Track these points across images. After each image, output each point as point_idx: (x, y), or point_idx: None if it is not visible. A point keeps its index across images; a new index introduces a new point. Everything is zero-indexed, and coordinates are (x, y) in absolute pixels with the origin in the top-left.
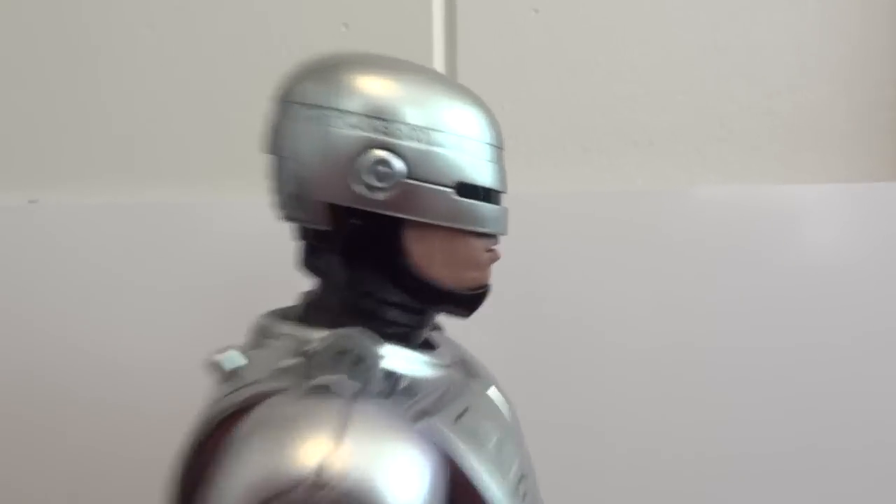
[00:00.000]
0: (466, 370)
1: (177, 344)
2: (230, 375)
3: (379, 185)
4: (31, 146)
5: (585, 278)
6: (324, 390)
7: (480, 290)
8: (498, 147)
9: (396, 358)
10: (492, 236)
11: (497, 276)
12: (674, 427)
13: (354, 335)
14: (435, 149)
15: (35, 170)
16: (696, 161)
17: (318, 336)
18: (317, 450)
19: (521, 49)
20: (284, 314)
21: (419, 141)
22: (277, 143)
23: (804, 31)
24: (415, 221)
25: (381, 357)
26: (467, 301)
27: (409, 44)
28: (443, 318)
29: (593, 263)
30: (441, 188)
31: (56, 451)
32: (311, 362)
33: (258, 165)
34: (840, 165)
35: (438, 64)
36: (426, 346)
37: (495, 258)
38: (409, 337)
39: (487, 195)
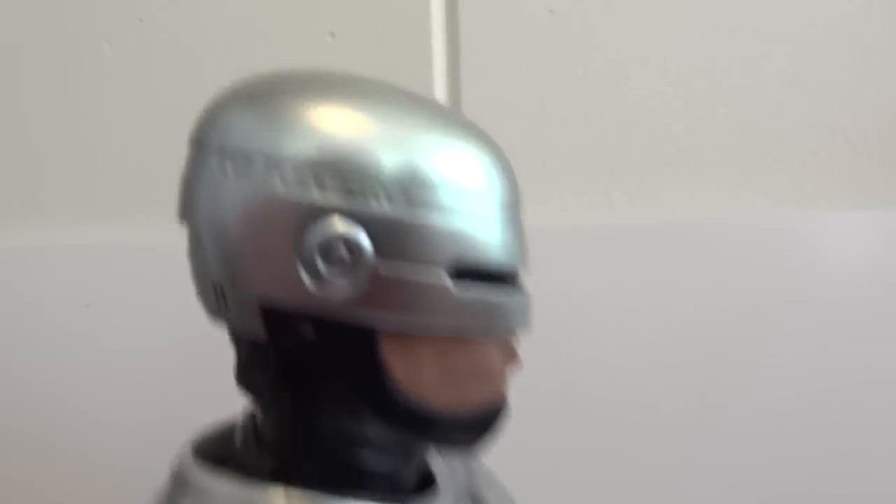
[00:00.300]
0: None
1: (151, 400)
2: None
3: (336, 275)
4: None
5: (618, 328)
6: None
7: (494, 408)
8: (513, 207)
9: None
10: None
11: None
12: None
13: None
14: (421, 213)
15: None
16: (742, 183)
17: (255, 500)
18: None
19: (536, 56)
20: (218, 447)
21: (396, 202)
22: (190, 208)
23: (867, 31)
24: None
25: None
26: (475, 426)
27: (403, 55)
28: None
29: (626, 308)
30: (430, 273)
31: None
32: None
33: None
34: None
35: (438, 78)
36: (421, 479)
37: (515, 362)
38: (395, 481)
39: (500, 276)
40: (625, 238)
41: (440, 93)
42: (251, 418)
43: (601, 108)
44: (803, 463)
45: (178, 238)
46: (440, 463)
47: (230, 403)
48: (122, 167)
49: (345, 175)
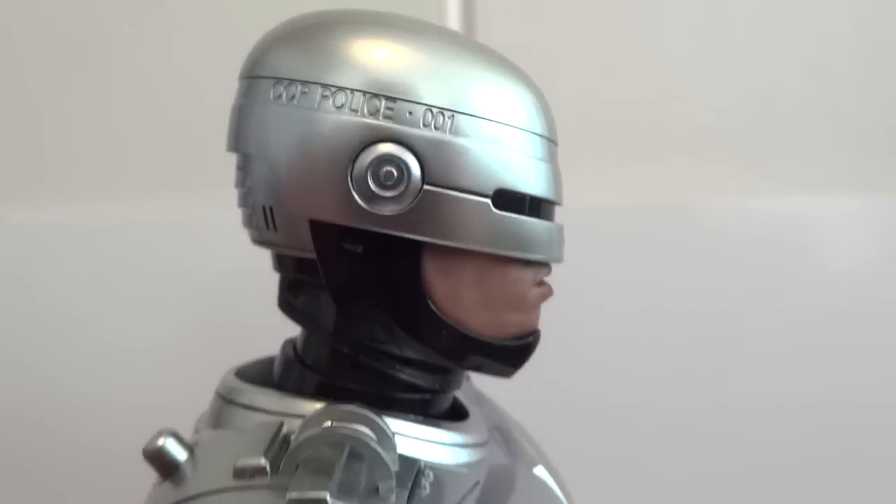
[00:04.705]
0: (506, 442)
1: (154, 384)
2: (171, 471)
3: (385, 193)
4: None
5: (628, 309)
6: None
7: (527, 339)
8: (552, 141)
9: (414, 440)
10: (543, 265)
11: None
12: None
13: (349, 416)
14: (464, 142)
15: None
16: (751, 168)
17: (297, 411)
18: None
19: (547, 39)
20: (259, 373)
21: (443, 130)
22: (241, 136)
23: (877, 18)
24: (436, 246)
25: (393, 449)
26: (509, 354)
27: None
28: None
29: (637, 289)
30: (473, 198)
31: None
32: (285, 461)
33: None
34: None
35: None
36: (453, 412)
37: (547, 294)
38: (431, 405)
39: (536, 208)
40: (633, 220)
41: None
42: (290, 345)
43: (612, 91)
44: (807, 437)
45: (191, 216)
46: (469, 391)
47: None
48: (139, 147)
49: (395, 104)
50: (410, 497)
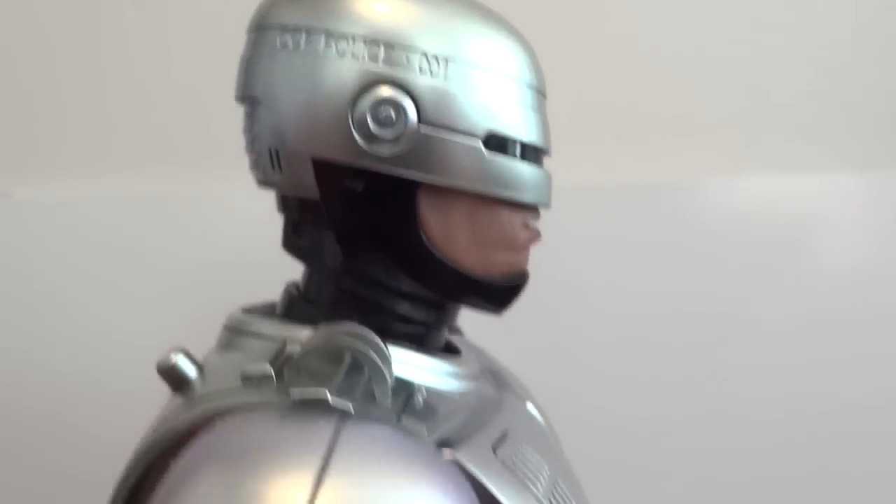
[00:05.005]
0: (497, 382)
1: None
2: (182, 385)
3: (384, 134)
4: (1, 134)
5: (618, 282)
6: (304, 408)
7: (516, 280)
8: (541, 93)
9: (409, 366)
10: (531, 209)
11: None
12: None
13: (349, 332)
14: (459, 87)
15: (6, 161)
16: (745, 150)
17: (302, 335)
18: (294, 495)
19: (542, 21)
20: (264, 309)
21: (438, 76)
22: (249, 84)
23: (868, 2)
24: (431, 186)
25: (389, 363)
26: (499, 293)
27: None
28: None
29: (627, 264)
30: (465, 140)
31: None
32: (288, 369)
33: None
34: None
35: None
36: (447, 351)
37: (535, 237)
38: (425, 339)
39: (525, 153)
40: (627, 198)
41: None
42: (293, 285)
43: (607, 73)
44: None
45: (195, 190)
46: (462, 341)
47: None
48: (144, 122)
49: (394, 51)
50: (404, 407)
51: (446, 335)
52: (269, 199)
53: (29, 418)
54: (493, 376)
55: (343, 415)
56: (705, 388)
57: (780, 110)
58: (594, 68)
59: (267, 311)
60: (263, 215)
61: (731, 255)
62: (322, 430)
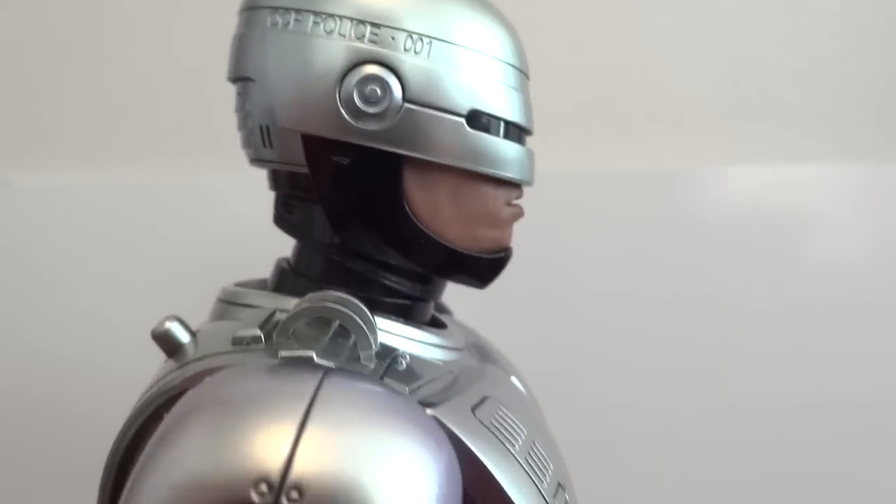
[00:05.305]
0: (481, 356)
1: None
2: (175, 350)
3: (370, 110)
4: (1, 122)
5: (607, 268)
6: (291, 364)
7: (499, 254)
8: (523, 73)
9: (394, 335)
10: (514, 186)
11: (509, 267)
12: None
13: (337, 299)
14: (443, 66)
15: (5, 149)
16: (731, 139)
17: (292, 305)
18: (278, 440)
19: (534, 11)
20: (256, 283)
21: (422, 55)
22: (241, 63)
23: None
24: (416, 160)
25: (374, 330)
26: (483, 267)
27: None
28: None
29: (616, 251)
30: (448, 116)
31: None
32: (277, 333)
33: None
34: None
35: None
36: (432, 326)
37: (518, 214)
38: (411, 312)
39: (507, 132)
40: (618, 186)
41: None
42: (284, 260)
43: (597, 63)
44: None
45: (194, 178)
46: (449, 319)
47: None
48: (143, 110)
49: (380, 30)
50: (387, 370)
51: (432, 311)
52: (266, 189)
53: (28, 405)
54: (477, 350)
55: (328, 371)
56: (697, 379)
57: (772, 100)
58: (585, 58)
59: (259, 285)
60: (263, 207)
61: (724, 245)
62: (307, 382)
